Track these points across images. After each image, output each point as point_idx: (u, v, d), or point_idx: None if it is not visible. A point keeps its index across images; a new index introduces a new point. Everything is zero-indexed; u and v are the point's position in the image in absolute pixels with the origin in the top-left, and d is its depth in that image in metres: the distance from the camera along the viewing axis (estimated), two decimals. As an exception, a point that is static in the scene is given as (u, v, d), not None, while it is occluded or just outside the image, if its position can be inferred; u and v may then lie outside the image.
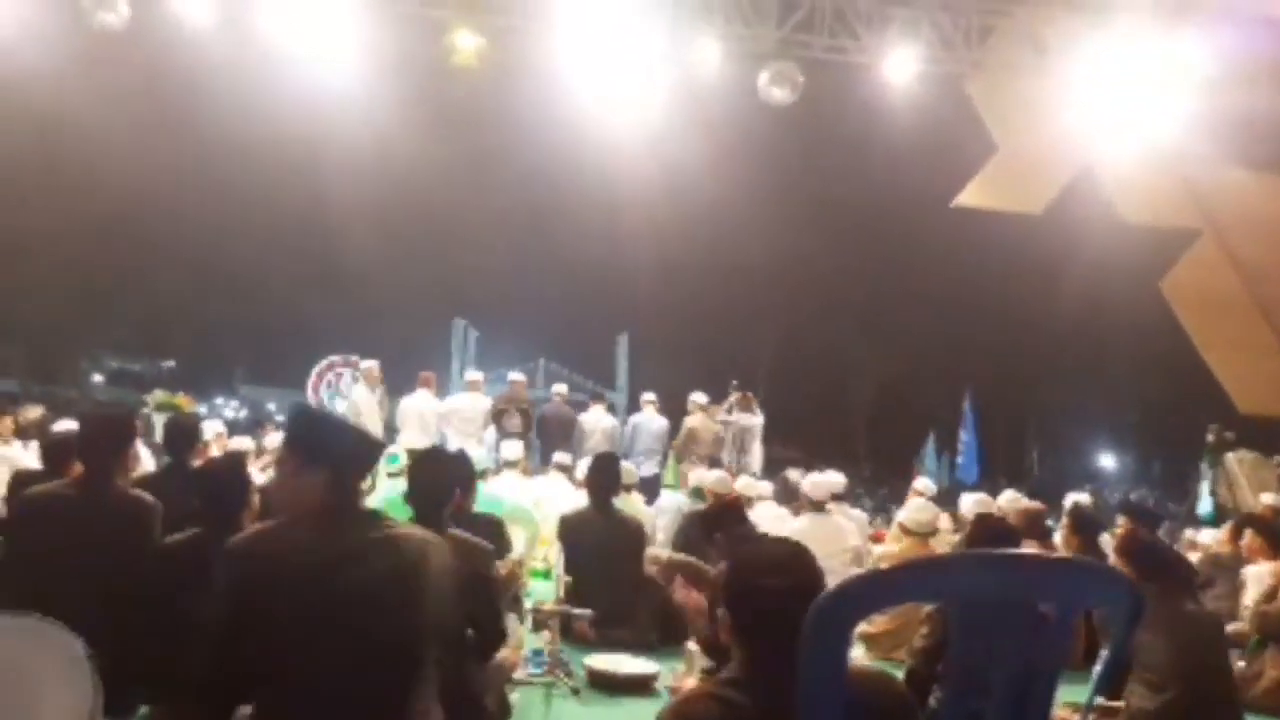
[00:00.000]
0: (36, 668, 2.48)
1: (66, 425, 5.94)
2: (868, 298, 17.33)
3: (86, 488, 3.87)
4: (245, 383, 20.94)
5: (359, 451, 2.42)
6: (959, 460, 14.20)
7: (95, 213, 19.10)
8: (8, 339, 20.78)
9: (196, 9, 8.96)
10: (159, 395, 12.12)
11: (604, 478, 5.78)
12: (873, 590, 1.42)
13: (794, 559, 1.91)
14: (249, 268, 22.16)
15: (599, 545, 5.38)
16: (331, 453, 2.33)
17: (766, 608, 1.83)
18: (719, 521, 5.40)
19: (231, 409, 16.23)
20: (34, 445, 7.12)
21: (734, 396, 10.91)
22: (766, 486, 8.05)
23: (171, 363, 13.43)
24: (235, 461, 4.09)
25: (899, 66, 9.52)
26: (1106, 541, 5.86)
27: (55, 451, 5.20)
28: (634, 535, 5.63)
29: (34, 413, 8.72)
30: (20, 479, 5.39)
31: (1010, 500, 6.94)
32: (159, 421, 11.50)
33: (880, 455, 14.39)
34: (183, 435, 5.40)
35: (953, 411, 14.10)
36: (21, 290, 21.05)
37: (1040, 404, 17.91)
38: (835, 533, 6.17)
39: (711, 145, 11.41)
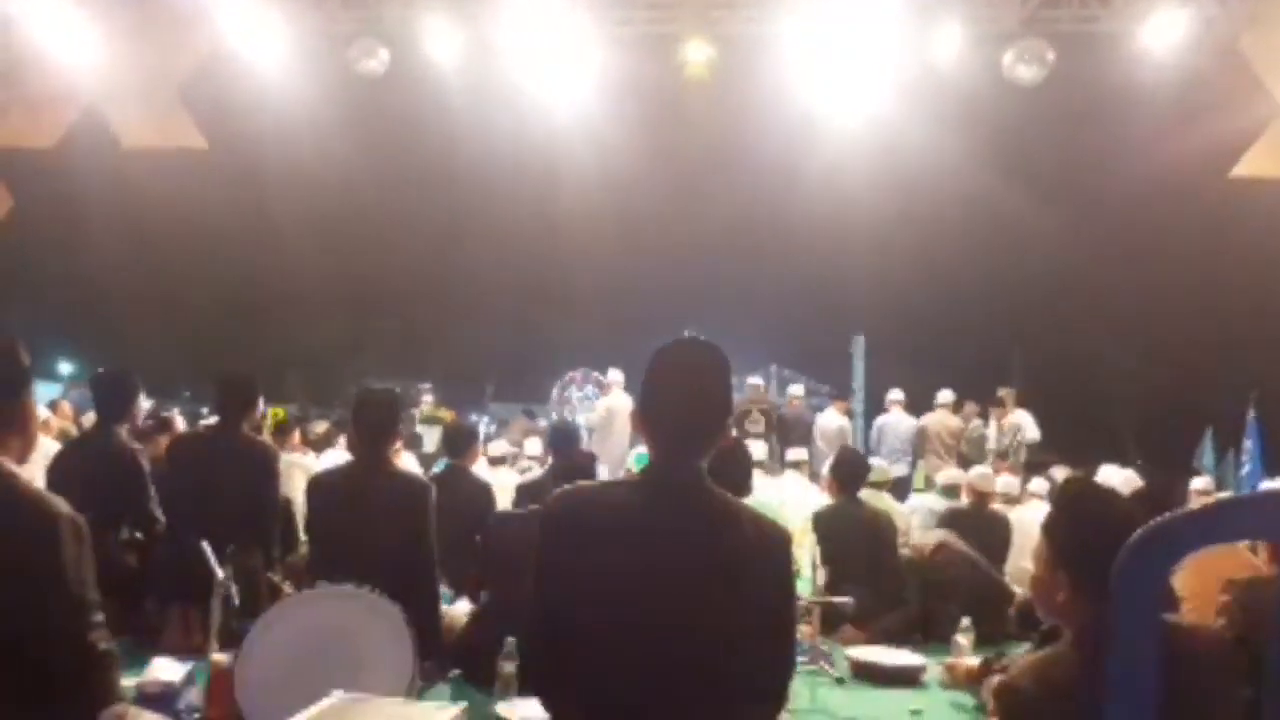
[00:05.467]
0: (371, 632, 2.76)
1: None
2: (1130, 286, 16.02)
3: (361, 467, 4.13)
4: (495, 400, 22.24)
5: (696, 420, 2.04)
6: (1244, 471, 12.82)
7: (356, 250, 20.91)
8: (287, 367, 23.25)
9: (446, 49, 9.60)
10: (425, 409, 12.96)
11: (848, 471, 5.79)
12: (1188, 528, 1.34)
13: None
14: (493, 292, 23.59)
15: (853, 538, 5.34)
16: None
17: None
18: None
19: (484, 425, 17.32)
20: (325, 455, 7.88)
21: (1004, 395, 10.63)
22: (1034, 485, 7.61)
23: (428, 384, 14.51)
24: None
25: (1159, 30, 8.71)
26: None
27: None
28: (886, 526, 5.57)
29: (321, 427, 9.69)
30: (317, 478, 6.02)
31: (1316, 493, 6.22)
32: (425, 433, 12.43)
33: (1152, 455, 13.25)
34: (462, 438, 6.06)
35: (1234, 405, 12.80)
36: (297, 324, 23.55)
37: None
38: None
39: (952, 134, 10.94)
